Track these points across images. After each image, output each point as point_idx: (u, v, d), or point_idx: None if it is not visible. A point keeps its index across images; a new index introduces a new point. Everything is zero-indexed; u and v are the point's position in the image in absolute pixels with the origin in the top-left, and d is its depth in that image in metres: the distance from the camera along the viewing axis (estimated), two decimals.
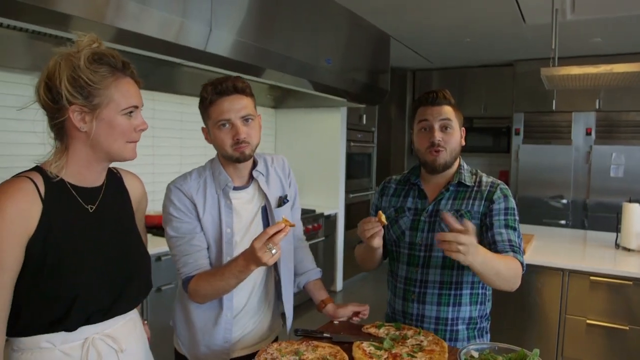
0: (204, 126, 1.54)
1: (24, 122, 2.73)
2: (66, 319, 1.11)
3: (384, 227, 1.49)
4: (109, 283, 1.18)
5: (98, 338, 1.17)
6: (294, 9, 3.28)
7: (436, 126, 1.60)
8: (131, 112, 1.16)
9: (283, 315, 1.75)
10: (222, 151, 1.50)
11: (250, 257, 1.34)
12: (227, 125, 1.46)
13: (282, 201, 1.62)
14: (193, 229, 1.50)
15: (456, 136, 1.62)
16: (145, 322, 1.47)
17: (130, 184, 1.35)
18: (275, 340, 1.71)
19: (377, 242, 1.51)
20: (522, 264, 1.52)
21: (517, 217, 1.60)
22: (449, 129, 1.60)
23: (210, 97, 1.46)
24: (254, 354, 1.59)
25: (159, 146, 3.70)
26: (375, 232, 1.48)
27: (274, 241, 1.30)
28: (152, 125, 3.60)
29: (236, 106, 1.46)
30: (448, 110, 1.61)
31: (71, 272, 1.11)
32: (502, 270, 1.43)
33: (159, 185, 3.25)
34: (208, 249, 1.52)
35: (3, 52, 2.46)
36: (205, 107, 1.49)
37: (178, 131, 3.87)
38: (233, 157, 1.49)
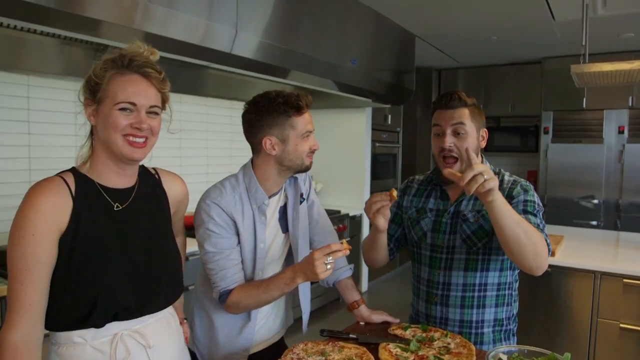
0: (268, 137, 1.48)
1: (57, 125, 2.81)
2: (91, 316, 1.13)
3: (402, 223, 1.46)
4: (134, 283, 1.20)
5: (126, 334, 1.19)
6: (319, 10, 3.29)
7: (448, 131, 1.56)
8: (125, 108, 1.14)
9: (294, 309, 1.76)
10: (297, 160, 1.51)
11: (301, 268, 1.37)
12: (310, 135, 1.51)
13: (301, 199, 1.64)
14: (231, 244, 1.50)
15: (470, 140, 1.56)
16: (185, 320, 1.48)
17: (169, 186, 1.36)
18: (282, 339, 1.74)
19: (382, 222, 1.49)
20: (546, 241, 1.45)
21: (538, 209, 1.54)
22: (461, 134, 1.55)
23: (304, 108, 1.48)
24: (267, 349, 1.62)
25: (186, 147, 3.75)
26: (382, 205, 1.44)
27: (334, 255, 1.34)
28: (179, 127, 3.66)
29: (311, 119, 1.54)
30: (462, 114, 1.56)
31: (94, 271, 1.14)
32: (523, 223, 1.35)
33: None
34: (242, 262, 1.53)
35: (37, 58, 2.53)
36: (289, 117, 1.47)
37: (204, 133, 3.92)
38: (304, 166, 1.53)
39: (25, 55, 2.49)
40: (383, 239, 1.63)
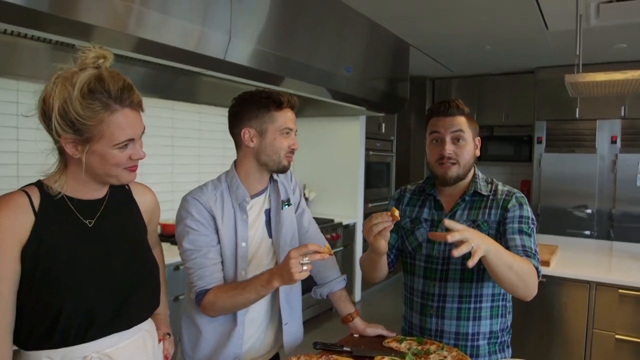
0: (247, 129, 1.50)
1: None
2: (55, 331, 1.09)
3: (397, 232, 1.42)
4: (104, 298, 1.15)
5: (96, 357, 1.14)
6: (314, 18, 3.28)
7: (448, 138, 1.55)
8: (126, 145, 1.13)
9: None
10: (274, 157, 1.51)
11: (278, 270, 1.34)
12: (289, 133, 1.52)
13: (283, 204, 1.62)
14: (210, 242, 1.48)
15: (469, 148, 1.57)
16: (168, 335, 1.42)
17: (139, 196, 1.33)
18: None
19: (383, 245, 1.41)
20: (537, 269, 1.46)
21: (532, 226, 1.55)
22: (461, 141, 1.56)
23: (285, 103, 1.50)
24: None
25: (178, 155, 3.71)
26: (384, 227, 1.37)
27: (312, 257, 1.30)
28: (172, 134, 3.63)
29: (294, 119, 1.55)
30: (461, 121, 1.56)
31: (57, 285, 1.10)
32: (515, 265, 1.37)
33: (177, 195, 3.26)
34: (222, 262, 1.50)
35: (27, 63, 2.50)
36: (269, 111, 1.49)
37: (196, 140, 3.89)
38: (281, 165, 1.53)
39: (16, 60, 2.46)
40: (384, 259, 1.58)
